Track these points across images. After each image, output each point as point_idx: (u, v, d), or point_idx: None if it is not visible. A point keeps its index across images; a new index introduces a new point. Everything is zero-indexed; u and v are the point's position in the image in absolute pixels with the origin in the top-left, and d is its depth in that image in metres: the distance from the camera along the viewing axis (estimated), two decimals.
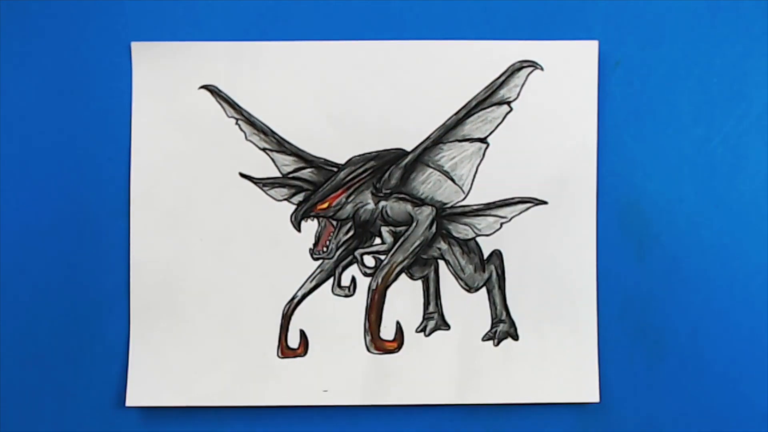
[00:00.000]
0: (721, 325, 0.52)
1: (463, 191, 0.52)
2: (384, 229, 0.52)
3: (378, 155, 0.52)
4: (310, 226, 0.52)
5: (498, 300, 0.52)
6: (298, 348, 0.52)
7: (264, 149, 0.52)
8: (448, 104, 0.51)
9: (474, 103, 0.51)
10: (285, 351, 0.52)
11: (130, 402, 0.51)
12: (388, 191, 0.52)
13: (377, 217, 0.52)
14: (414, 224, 0.52)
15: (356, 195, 0.52)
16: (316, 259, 0.52)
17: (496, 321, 0.52)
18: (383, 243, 0.52)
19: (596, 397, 0.51)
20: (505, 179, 0.51)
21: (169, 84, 0.52)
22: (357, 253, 0.52)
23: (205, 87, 0.52)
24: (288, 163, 0.52)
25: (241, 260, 0.52)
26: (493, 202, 0.52)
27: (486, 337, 0.52)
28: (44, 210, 0.52)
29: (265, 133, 0.52)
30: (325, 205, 0.52)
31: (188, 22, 0.52)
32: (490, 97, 0.51)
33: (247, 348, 0.51)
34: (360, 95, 0.51)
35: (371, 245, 0.53)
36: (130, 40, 0.52)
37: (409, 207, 0.52)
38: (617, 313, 0.52)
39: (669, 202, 0.52)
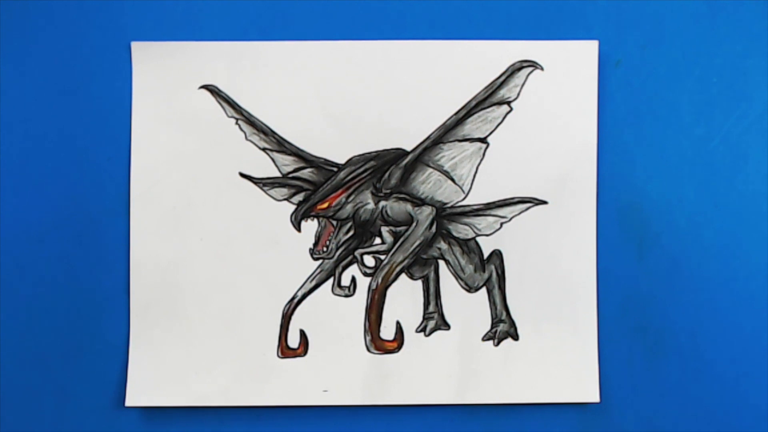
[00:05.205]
0: (721, 325, 0.52)
1: (463, 191, 0.52)
2: (384, 229, 0.52)
3: (378, 155, 0.52)
4: (310, 226, 0.52)
5: (498, 300, 0.52)
6: (298, 348, 0.52)
7: (264, 149, 0.52)
8: (448, 104, 0.51)
9: (474, 103, 0.51)
10: (285, 351, 0.52)
11: (129, 402, 0.51)
12: (388, 191, 0.52)
13: (377, 217, 0.52)
14: (414, 224, 0.52)
15: (356, 195, 0.52)
16: (316, 259, 0.52)
17: (496, 321, 0.52)
18: (383, 243, 0.52)
19: (596, 397, 0.51)
20: (505, 179, 0.51)
21: (169, 84, 0.52)
22: (357, 253, 0.52)
23: (205, 87, 0.52)
24: (288, 163, 0.52)
25: (241, 260, 0.52)
26: (493, 202, 0.52)
27: (486, 337, 0.52)
28: (44, 210, 0.52)
29: (265, 133, 0.52)
30: (325, 205, 0.52)
31: (188, 22, 0.52)
32: (490, 97, 0.51)
33: (247, 348, 0.51)
34: (360, 95, 0.51)
35: (371, 245, 0.53)
36: (130, 40, 0.52)
37: (409, 207, 0.52)
38: (617, 313, 0.52)
39: (669, 202, 0.52)
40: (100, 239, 0.52)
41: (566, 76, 0.51)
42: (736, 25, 0.52)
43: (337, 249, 0.52)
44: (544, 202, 0.51)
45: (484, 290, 0.52)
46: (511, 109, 0.51)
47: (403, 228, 0.52)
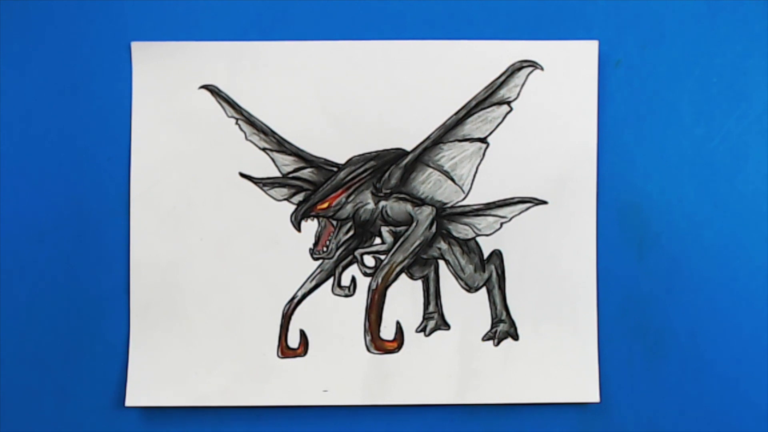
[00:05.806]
0: (721, 325, 0.52)
1: (463, 191, 0.52)
2: (384, 229, 0.52)
3: (378, 155, 0.52)
4: (310, 226, 0.52)
5: (498, 300, 0.52)
6: (298, 348, 0.52)
7: (264, 149, 0.52)
8: (448, 104, 0.51)
9: (474, 103, 0.51)
10: (285, 351, 0.52)
11: (129, 402, 0.51)
12: (388, 191, 0.52)
13: (377, 217, 0.52)
14: (414, 224, 0.52)
15: (356, 195, 0.52)
16: (316, 259, 0.52)
17: (496, 321, 0.52)
18: (383, 243, 0.52)
19: (596, 397, 0.51)
20: (505, 179, 0.51)
21: (169, 84, 0.52)
22: (357, 253, 0.52)
23: (205, 87, 0.52)
24: (288, 163, 0.52)
25: (241, 260, 0.52)
26: (493, 202, 0.52)
27: (486, 337, 0.52)
28: (44, 210, 0.52)
29: (265, 133, 0.52)
30: (325, 205, 0.52)
31: (188, 22, 0.52)
32: (490, 97, 0.51)
33: (247, 348, 0.51)
34: (360, 95, 0.51)
35: (371, 245, 0.53)
36: (130, 40, 0.52)
37: (409, 207, 0.52)
38: (617, 313, 0.52)
39: (669, 202, 0.52)
40: (100, 239, 0.52)
41: (566, 76, 0.51)
42: (736, 25, 0.52)
43: (337, 249, 0.52)
44: (544, 202, 0.51)
45: (484, 290, 0.52)
46: (511, 109, 0.51)
47: (403, 228, 0.52)
